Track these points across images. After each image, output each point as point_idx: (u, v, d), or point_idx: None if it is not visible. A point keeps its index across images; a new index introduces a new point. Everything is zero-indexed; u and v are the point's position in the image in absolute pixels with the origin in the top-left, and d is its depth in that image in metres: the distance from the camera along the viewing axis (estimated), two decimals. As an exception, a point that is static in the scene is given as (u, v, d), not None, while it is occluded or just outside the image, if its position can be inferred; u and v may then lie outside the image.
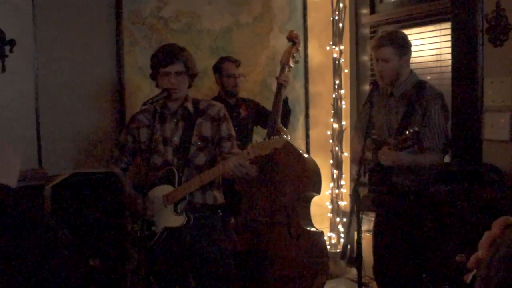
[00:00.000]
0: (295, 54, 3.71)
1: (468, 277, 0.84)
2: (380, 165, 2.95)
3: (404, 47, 3.02)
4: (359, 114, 4.11)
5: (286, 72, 3.68)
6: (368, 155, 2.94)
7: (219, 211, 2.95)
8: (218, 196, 2.91)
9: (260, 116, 3.97)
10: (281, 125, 3.64)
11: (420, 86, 3.05)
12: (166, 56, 2.74)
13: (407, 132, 2.70)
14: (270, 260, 3.55)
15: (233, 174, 2.65)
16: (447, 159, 3.35)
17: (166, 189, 2.77)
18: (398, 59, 2.99)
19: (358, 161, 2.83)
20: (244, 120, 3.89)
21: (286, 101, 3.80)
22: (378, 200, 3.11)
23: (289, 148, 3.53)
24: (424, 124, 2.91)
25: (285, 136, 2.82)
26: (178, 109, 2.84)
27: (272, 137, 2.62)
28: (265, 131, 3.75)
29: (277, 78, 3.69)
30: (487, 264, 0.78)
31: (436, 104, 2.95)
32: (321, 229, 3.65)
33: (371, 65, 4.53)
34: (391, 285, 3.15)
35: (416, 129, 2.71)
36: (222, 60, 3.91)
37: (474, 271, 0.82)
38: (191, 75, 2.85)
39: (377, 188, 3.03)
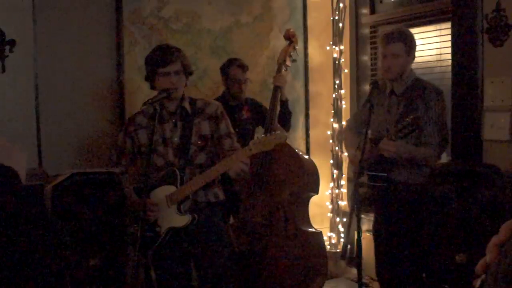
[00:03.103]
0: (292, 53, 3.69)
1: (477, 282, 0.83)
2: (379, 163, 2.96)
3: (412, 45, 3.05)
4: (354, 113, 4.09)
5: (283, 71, 3.67)
6: (366, 154, 2.95)
7: (221, 208, 2.97)
8: (219, 193, 2.93)
9: (262, 116, 3.96)
10: (278, 125, 3.63)
11: (420, 83, 3.06)
12: (165, 56, 2.73)
13: (407, 119, 2.72)
14: (268, 261, 3.54)
15: (235, 170, 2.65)
16: (446, 159, 3.35)
17: (168, 189, 2.77)
18: (406, 56, 3.02)
19: (357, 161, 2.82)
20: (245, 121, 3.87)
21: (286, 103, 3.79)
22: (377, 198, 3.11)
23: (287, 148, 3.53)
24: (425, 120, 2.92)
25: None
26: (176, 109, 2.84)
27: (273, 132, 2.62)
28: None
29: (273, 78, 3.68)
30: (495, 269, 0.77)
31: (437, 101, 2.98)
32: (320, 229, 3.65)
33: (371, 65, 4.54)
34: (393, 284, 3.16)
35: (417, 114, 2.73)
36: (230, 63, 3.85)
37: (483, 276, 0.82)
38: (188, 74, 2.85)
39: (376, 185, 3.04)
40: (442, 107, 3.00)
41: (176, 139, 2.82)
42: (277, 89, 3.63)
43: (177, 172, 2.76)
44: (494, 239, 0.81)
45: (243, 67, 3.84)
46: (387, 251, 3.14)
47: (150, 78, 2.82)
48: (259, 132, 4.04)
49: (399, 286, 3.13)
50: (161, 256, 2.86)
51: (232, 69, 3.82)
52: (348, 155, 3.38)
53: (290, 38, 3.71)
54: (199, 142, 2.82)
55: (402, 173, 3.01)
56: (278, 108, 3.68)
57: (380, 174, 2.97)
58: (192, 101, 2.88)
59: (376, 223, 3.26)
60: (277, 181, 3.53)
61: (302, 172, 3.51)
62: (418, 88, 3.02)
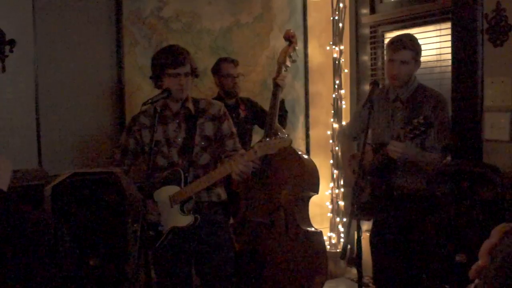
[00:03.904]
0: (292, 54, 3.69)
1: (471, 287, 0.83)
2: (381, 168, 2.96)
3: (419, 52, 3.06)
4: (352, 118, 4.07)
5: (283, 71, 3.67)
6: (368, 158, 2.94)
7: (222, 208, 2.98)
8: (222, 193, 2.93)
9: (258, 115, 3.97)
10: (278, 125, 3.64)
11: (424, 89, 3.08)
12: (177, 57, 2.73)
13: (416, 120, 2.72)
14: (269, 261, 3.54)
15: (239, 173, 2.64)
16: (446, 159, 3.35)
17: (172, 189, 2.77)
18: (414, 63, 3.03)
19: (358, 165, 2.81)
20: (243, 120, 3.88)
21: (282, 102, 3.80)
22: (377, 204, 3.10)
23: (287, 148, 3.52)
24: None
25: (286, 135, 2.82)
26: (179, 109, 2.84)
27: (278, 136, 2.62)
28: (263, 130, 3.75)
29: (273, 79, 3.68)
30: (485, 272, 0.78)
31: (443, 107, 3.00)
32: (320, 229, 3.65)
33: (371, 65, 4.54)
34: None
35: (427, 115, 2.74)
36: (220, 61, 3.91)
37: (476, 280, 0.82)
38: (195, 76, 2.87)
39: (377, 191, 3.03)
40: (447, 114, 3.03)
41: (179, 140, 2.82)
42: (278, 89, 3.63)
43: (181, 172, 2.76)
44: (486, 244, 0.82)
45: (233, 62, 3.88)
46: (386, 258, 3.13)
47: (157, 77, 2.81)
48: (258, 132, 4.04)
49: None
50: (163, 256, 2.86)
51: (222, 65, 3.86)
52: (343, 163, 3.39)
53: (289, 38, 3.71)
54: (202, 143, 2.83)
55: (404, 178, 3.01)
56: (278, 108, 3.68)
57: (381, 179, 2.97)
58: (195, 102, 2.89)
59: (374, 230, 3.25)
60: (278, 180, 3.53)
61: (302, 172, 3.51)
62: (422, 94, 3.04)
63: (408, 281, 3.06)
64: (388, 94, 3.14)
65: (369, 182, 3.04)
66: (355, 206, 2.63)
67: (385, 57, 3.11)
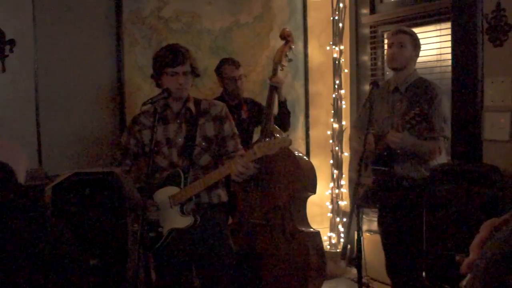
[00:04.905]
0: (288, 53, 3.68)
1: (463, 283, 0.84)
2: (384, 157, 3.00)
3: (418, 41, 3.22)
4: (359, 113, 4.13)
5: (279, 71, 3.66)
6: (369, 151, 2.98)
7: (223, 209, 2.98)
8: (222, 194, 2.93)
9: (261, 116, 3.96)
10: (274, 126, 3.63)
11: (422, 81, 3.17)
12: (175, 56, 2.72)
13: (413, 111, 2.78)
14: (266, 261, 3.54)
15: (238, 174, 2.64)
16: (446, 159, 3.36)
17: (172, 190, 2.77)
18: (412, 49, 3.16)
19: (359, 157, 2.85)
20: (244, 121, 3.87)
21: (284, 103, 3.79)
22: (381, 192, 3.13)
23: (283, 148, 3.52)
24: (429, 114, 2.97)
25: (285, 135, 2.82)
26: (181, 109, 2.83)
27: (277, 136, 2.63)
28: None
29: (269, 79, 3.68)
30: (476, 266, 0.78)
31: (441, 98, 3.08)
32: (318, 229, 3.64)
33: (371, 65, 4.54)
34: (404, 280, 3.18)
35: (424, 106, 2.81)
36: (222, 63, 3.89)
37: (468, 275, 0.82)
38: (195, 75, 2.85)
39: (380, 179, 3.07)
40: (443, 106, 3.09)
41: (180, 140, 2.81)
42: (272, 89, 3.63)
43: (181, 173, 2.76)
44: (477, 238, 0.82)
45: (235, 64, 3.86)
46: (395, 244, 3.17)
47: (157, 76, 2.81)
48: (259, 133, 4.04)
49: (407, 279, 3.15)
50: (163, 257, 2.86)
51: (224, 67, 3.85)
52: (351, 148, 3.48)
53: (285, 37, 3.70)
54: (203, 144, 2.82)
55: (405, 167, 3.06)
56: (275, 108, 3.68)
57: (383, 168, 3.01)
58: (197, 102, 2.88)
59: (380, 217, 3.30)
60: (274, 181, 3.53)
61: (298, 172, 3.50)
62: (421, 85, 3.13)
63: (415, 269, 3.09)
64: (390, 85, 3.23)
65: (372, 170, 3.08)
66: (355, 199, 2.67)
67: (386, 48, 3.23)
